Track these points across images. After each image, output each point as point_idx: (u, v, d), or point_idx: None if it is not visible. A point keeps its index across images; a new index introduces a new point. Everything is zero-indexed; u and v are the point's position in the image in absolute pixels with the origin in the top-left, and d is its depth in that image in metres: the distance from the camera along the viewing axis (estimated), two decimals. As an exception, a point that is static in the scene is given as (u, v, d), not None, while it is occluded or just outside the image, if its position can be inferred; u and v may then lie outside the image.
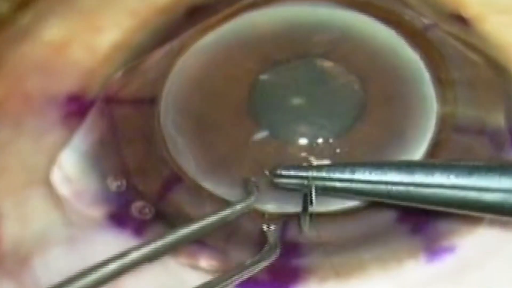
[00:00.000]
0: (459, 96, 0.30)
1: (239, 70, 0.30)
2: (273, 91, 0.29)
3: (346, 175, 0.27)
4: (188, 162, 0.29)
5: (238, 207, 0.27)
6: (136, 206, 0.29)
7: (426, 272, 0.27)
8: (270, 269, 0.28)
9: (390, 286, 0.27)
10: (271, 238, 0.28)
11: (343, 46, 0.30)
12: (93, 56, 0.31)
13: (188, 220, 0.27)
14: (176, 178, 0.29)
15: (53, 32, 0.31)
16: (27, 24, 0.31)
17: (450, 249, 0.28)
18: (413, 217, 0.28)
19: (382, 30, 0.31)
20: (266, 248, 0.27)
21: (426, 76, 0.30)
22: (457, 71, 0.30)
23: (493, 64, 0.30)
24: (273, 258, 0.27)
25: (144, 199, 0.29)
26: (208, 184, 0.29)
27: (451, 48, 0.30)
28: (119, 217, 0.29)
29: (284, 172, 0.28)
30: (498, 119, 0.29)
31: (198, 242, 0.28)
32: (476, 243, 0.28)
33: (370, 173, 0.27)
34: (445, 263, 0.28)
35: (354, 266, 0.28)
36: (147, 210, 0.29)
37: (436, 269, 0.27)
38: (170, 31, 0.32)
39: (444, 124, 0.29)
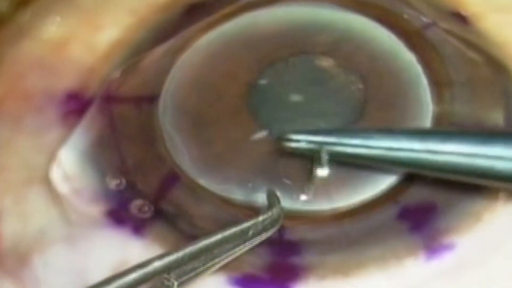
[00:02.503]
0: (457, 96, 0.30)
1: (239, 69, 0.30)
2: (271, 90, 0.29)
3: (357, 141, 0.27)
4: (187, 160, 0.29)
5: (260, 218, 0.27)
6: (135, 205, 0.29)
7: (425, 270, 0.27)
8: (270, 267, 0.28)
9: (389, 284, 0.27)
10: (275, 210, 0.27)
11: (342, 47, 0.30)
12: (92, 54, 0.31)
13: (210, 231, 0.26)
14: (175, 176, 0.29)
15: (52, 30, 0.31)
16: (26, 22, 0.31)
17: (449, 247, 0.28)
18: (412, 215, 0.28)
19: (382, 32, 0.31)
20: (268, 216, 0.27)
21: (423, 77, 0.30)
22: (455, 70, 0.30)
23: (493, 62, 0.30)
24: (275, 229, 0.27)
25: (143, 197, 0.29)
26: (206, 182, 0.29)
27: (450, 46, 0.30)
28: (118, 215, 0.29)
29: (294, 137, 0.28)
30: (497, 118, 0.29)
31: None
32: (475, 241, 0.28)
33: (382, 139, 0.27)
34: (444, 261, 0.28)
35: (354, 264, 0.28)
36: (146, 208, 0.29)
37: (436, 267, 0.27)
38: (169, 29, 0.32)
39: (441, 124, 0.29)
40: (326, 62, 0.30)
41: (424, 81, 0.30)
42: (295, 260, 0.28)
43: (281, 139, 0.28)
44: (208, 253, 0.25)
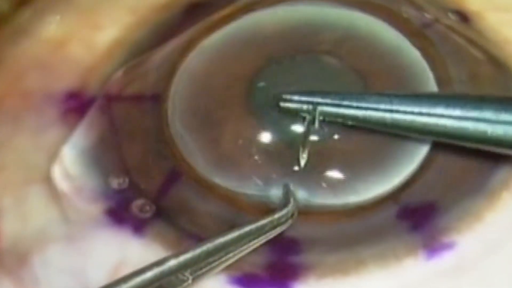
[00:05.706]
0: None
1: (243, 68, 0.30)
2: (276, 88, 0.29)
3: (352, 102, 0.28)
4: (193, 159, 0.29)
5: (276, 216, 0.27)
6: (137, 204, 0.29)
7: (425, 269, 0.27)
8: (270, 266, 0.28)
9: (389, 283, 0.27)
10: (291, 207, 0.27)
11: (347, 45, 0.30)
12: (92, 53, 0.31)
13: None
14: (177, 175, 0.29)
15: (52, 29, 0.31)
16: (26, 21, 0.31)
17: (449, 246, 0.28)
18: (412, 214, 0.28)
19: (385, 29, 0.30)
20: (283, 213, 0.27)
21: (427, 74, 0.30)
22: (457, 68, 0.30)
23: (494, 60, 0.30)
24: (289, 223, 0.27)
25: (144, 196, 0.29)
26: (211, 180, 0.29)
27: (451, 44, 0.30)
28: (119, 215, 0.29)
29: (289, 97, 0.28)
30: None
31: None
32: (475, 240, 0.28)
33: (375, 101, 0.27)
34: (444, 260, 0.27)
35: (353, 264, 0.28)
36: (147, 208, 0.29)
37: (436, 266, 0.27)
38: (170, 28, 0.32)
39: None
40: (330, 61, 0.30)
41: (429, 77, 0.30)
42: (295, 259, 0.28)
43: (276, 98, 0.28)
44: (224, 250, 0.26)
